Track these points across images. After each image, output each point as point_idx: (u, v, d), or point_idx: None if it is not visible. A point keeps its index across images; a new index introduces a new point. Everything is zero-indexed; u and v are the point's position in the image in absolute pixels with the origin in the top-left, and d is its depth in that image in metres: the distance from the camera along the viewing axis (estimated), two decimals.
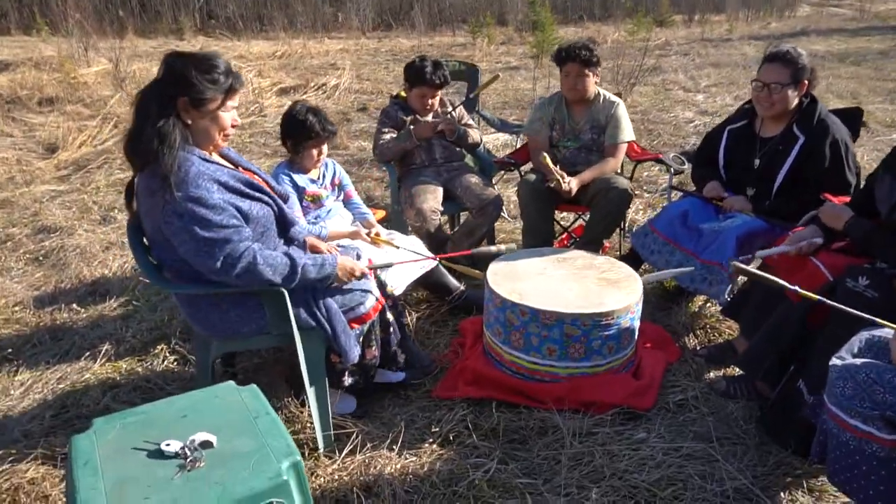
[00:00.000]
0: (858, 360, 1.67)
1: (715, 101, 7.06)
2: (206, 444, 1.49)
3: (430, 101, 3.21)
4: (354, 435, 2.10)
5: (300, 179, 2.63)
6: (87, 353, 2.63)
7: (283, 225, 2.00)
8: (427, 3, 14.77)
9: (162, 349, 2.64)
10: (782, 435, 2.07)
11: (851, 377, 1.62)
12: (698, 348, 2.63)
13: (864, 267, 2.01)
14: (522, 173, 3.36)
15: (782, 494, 1.88)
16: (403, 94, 3.34)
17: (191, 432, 1.52)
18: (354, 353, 2.07)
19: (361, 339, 2.14)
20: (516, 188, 3.34)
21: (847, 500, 1.86)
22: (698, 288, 2.63)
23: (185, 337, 2.72)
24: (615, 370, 2.28)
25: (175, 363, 2.57)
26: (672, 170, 3.15)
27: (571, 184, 3.01)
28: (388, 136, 3.22)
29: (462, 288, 2.92)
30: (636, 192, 3.80)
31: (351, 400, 2.30)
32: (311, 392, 2.04)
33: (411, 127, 3.19)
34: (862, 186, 2.33)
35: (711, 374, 2.46)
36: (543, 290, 2.28)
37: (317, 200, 2.67)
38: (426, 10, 14.94)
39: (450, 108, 3.34)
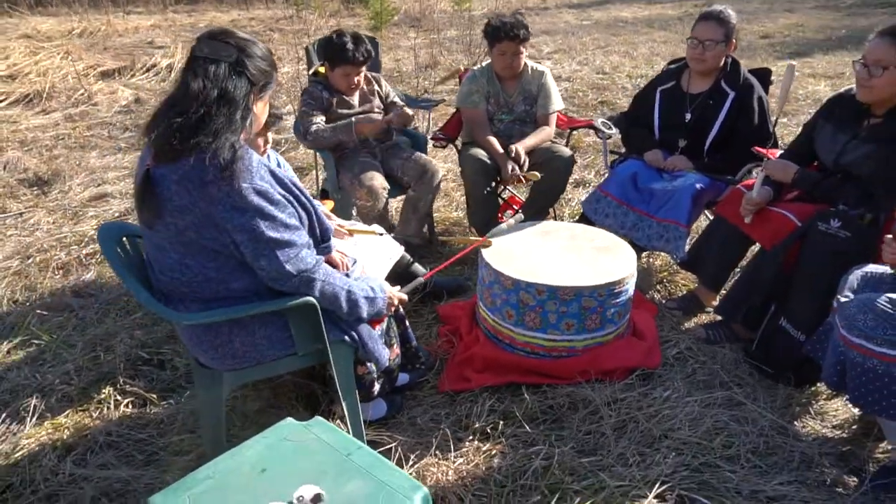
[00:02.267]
0: (872, 294, 1.88)
1: (563, 66, 7.46)
2: (317, 499, 1.26)
3: (355, 80, 2.98)
4: (394, 448, 1.93)
5: None
6: (3, 415, 2.11)
7: (321, 234, 1.74)
8: None
9: (108, 393, 2.19)
10: (776, 369, 2.28)
11: (870, 309, 1.81)
12: (664, 301, 2.80)
13: (832, 210, 2.25)
14: (457, 147, 3.29)
15: (797, 423, 2.08)
16: (322, 70, 3.07)
17: (283, 489, 1.28)
18: (385, 357, 1.90)
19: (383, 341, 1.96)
20: (459, 164, 3.24)
21: (846, 415, 2.11)
22: (655, 246, 2.78)
23: (133, 373, 2.29)
24: (621, 335, 2.34)
25: (131, 406, 2.16)
26: (602, 135, 3.27)
27: (520, 152, 2.99)
28: (318, 121, 2.93)
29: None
30: None
31: (381, 404, 2.12)
32: (347, 410, 1.83)
33: (353, 120, 2.94)
34: (798, 135, 2.60)
35: (686, 325, 2.63)
36: (550, 267, 2.25)
37: None
38: None
39: (378, 88, 3.14)
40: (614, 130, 3.26)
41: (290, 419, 1.51)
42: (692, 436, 1.95)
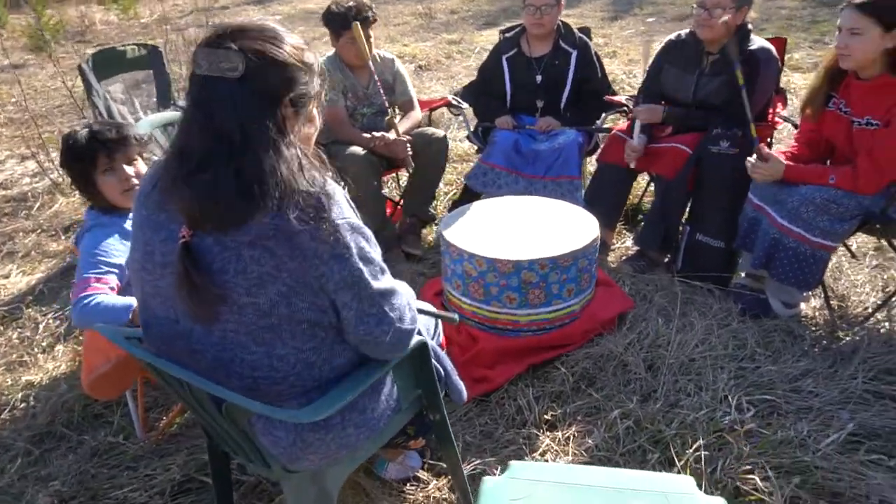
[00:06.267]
0: (811, 189, 2.24)
1: None
2: None
3: None
4: (489, 471, 1.72)
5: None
6: None
7: None
8: None
9: None
10: (704, 271, 2.61)
11: (811, 202, 2.20)
12: None
13: (717, 133, 2.62)
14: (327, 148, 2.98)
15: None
16: None
17: None
18: (463, 389, 1.65)
19: None
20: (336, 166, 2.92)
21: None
22: None
23: None
24: (596, 288, 2.42)
25: None
26: (457, 111, 3.27)
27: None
28: None
29: None
30: None
31: (415, 455, 1.84)
32: (459, 449, 1.58)
33: None
34: (645, 81, 2.95)
35: (609, 266, 2.85)
36: (537, 240, 2.21)
37: None
38: None
39: None
40: (465, 104, 3.29)
41: (487, 478, 1.24)
42: (712, 351, 2.15)
